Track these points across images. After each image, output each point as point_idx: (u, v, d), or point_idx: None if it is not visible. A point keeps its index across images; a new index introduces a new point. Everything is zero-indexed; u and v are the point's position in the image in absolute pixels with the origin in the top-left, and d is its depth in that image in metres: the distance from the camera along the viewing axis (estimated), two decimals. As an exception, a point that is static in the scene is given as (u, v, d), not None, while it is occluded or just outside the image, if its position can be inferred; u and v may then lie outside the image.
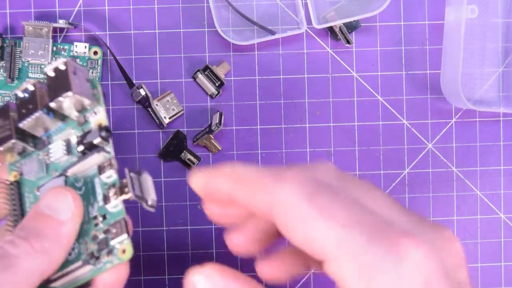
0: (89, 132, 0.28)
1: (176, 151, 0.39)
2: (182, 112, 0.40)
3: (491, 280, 0.41)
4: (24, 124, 0.28)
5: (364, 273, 0.21)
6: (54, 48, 0.39)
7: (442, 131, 0.41)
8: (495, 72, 0.41)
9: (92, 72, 0.39)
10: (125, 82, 0.39)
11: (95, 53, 0.39)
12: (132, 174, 0.27)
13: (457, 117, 0.41)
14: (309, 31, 0.40)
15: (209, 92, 0.40)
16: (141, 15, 0.40)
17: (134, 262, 0.40)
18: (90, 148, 0.28)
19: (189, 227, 0.40)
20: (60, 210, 0.27)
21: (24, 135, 0.29)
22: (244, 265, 0.40)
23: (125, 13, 0.40)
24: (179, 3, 0.40)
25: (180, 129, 0.40)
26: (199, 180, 0.27)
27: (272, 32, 0.39)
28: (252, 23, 0.39)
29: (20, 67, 0.39)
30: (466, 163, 0.41)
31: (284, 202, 0.23)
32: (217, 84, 0.39)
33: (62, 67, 0.28)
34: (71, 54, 0.39)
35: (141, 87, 0.39)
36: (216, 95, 0.40)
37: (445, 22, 0.40)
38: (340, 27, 0.39)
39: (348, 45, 0.40)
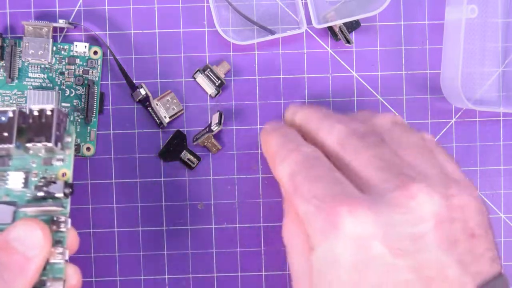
0: (52, 182, 0.30)
1: (176, 151, 0.39)
2: (182, 111, 0.40)
3: (491, 280, 0.41)
4: None
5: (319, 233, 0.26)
6: (54, 48, 0.39)
7: (442, 131, 0.41)
8: (495, 72, 0.41)
9: (92, 72, 0.39)
10: (125, 82, 0.39)
11: (95, 53, 0.39)
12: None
13: (457, 117, 0.41)
14: (309, 31, 0.40)
15: (209, 92, 0.40)
16: (141, 15, 0.40)
17: (134, 262, 0.40)
18: (50, 197, 0.30)
19: (189, 227, 0.40)
20: (28, 245, 0.28)
21: None
22: (244, 266, 0.40)
23: (125, 13, 0.40)
24: (179, 3, 0.40)
25: (180, 129, 0.40)
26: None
27: (272, 32, 0.39)
28: (252, 23, 0.39)
29: (20, 66, 0.39)
30: (466, 163, 0.41)
31: (280, 175, 0.30)
32: (217, 84, 0.39)
33: (49, 113, 0.29)
34: (71, 54, 0.39)
35: (141, 87, 0.39)
36: (216, 94, 0.40)
37: (445, 22, 0.40)
38: (340, 27, 0.39)
39: (348, 45, 0.40)
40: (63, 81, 0.39)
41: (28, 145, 0.29)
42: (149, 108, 0.39)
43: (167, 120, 0.39)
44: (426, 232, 0.25)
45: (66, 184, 0.30)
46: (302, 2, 0.39)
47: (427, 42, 0.41)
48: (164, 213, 0.40)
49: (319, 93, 0.40)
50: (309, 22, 0.39)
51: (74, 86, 0.39)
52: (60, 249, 0.29)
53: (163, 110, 0.39)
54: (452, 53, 0.39)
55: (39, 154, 0.31)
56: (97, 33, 0.39)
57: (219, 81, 0.39)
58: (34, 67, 0.39)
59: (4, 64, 0.38)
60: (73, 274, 0.30)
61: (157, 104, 0.39)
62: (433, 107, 0.41)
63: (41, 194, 0.30)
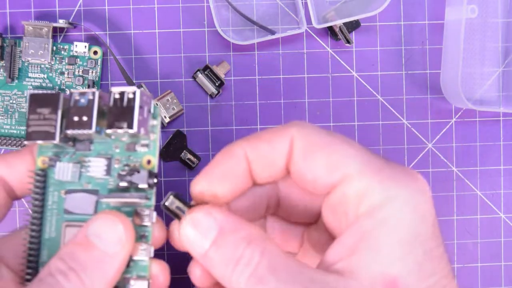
0: (136, 170, 0.27)
1: (176, 151, 0.39)
2: (182, 111, 0.40)
3: (491, 280, 0.41)
4: (72, 133, 0.26)
5: (386, 184, 0.24)
6: (54, 48, 0.39)
7: (442, 131, 0.41)
8: (495, 72, 0.41)
9: (92, 72, 0.39)
10: (125, 82, 0.39)
11: (95, 52, 0.39)
12: None
13: (457, 117, 0.41)
14: (309, 31, 0.40)
15: (209, 91, 0.40)
16: (141, 15, 0.40)
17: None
18: (133, 188, 0.27)
19: (189, 227, 0.40)
20: (109, 241, 0.25)
21: (66, 136, 0.27)
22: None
23: (125, 13, 0.40)
24: (179, 3, 0.40)
25: (180, 129, 0.40)
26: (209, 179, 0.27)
27: (272, 32, 0.39)
28: (252, 23, 0.39)
29: (20, 66, 0.39)
30: (466, 163, 0.41)
31: (307, 131, 0.26)
32: (217, 84, 0.39)
33: (131, 96, 0.26)
34: (71, 54, 0.39)
35: (141, 87, 0.39)
36: (216, 94, 0.40)
37: (445, 22, 0.40)
38: (340, 27, 0.39)
39: (348, 45, 0.40)
40: (63, 81, 0.39)
41: (109, 131, 0.26)
42: (149, 108, 0.39)
43: (167, 120, 0.39)
44: None
45: (151, 174, 0.26)
46: (302, 2, 0.39)
47: (427, 42, 0.41)
48: (164, 213, 0.40)
49: (319, 93, 0.40)
50: (309, 22, 0.39)
51: (74, 86, 0.39)
52: (144, 246, 0.26)
53: (163, 110, 0.39)
54: (452, 53, 0.39)
55: (122, 139, 0.27)
56: (97, 33, 0.39)
57: (219, 81, 0.39)
58: (34, 67, 0.39)
59: (4, 64, 0.38)
60: (160, 272, 0.27)
61: (157, 104, 0.39)
62: (433, 107, 0.41)
63: (123, 184, 0.26)
